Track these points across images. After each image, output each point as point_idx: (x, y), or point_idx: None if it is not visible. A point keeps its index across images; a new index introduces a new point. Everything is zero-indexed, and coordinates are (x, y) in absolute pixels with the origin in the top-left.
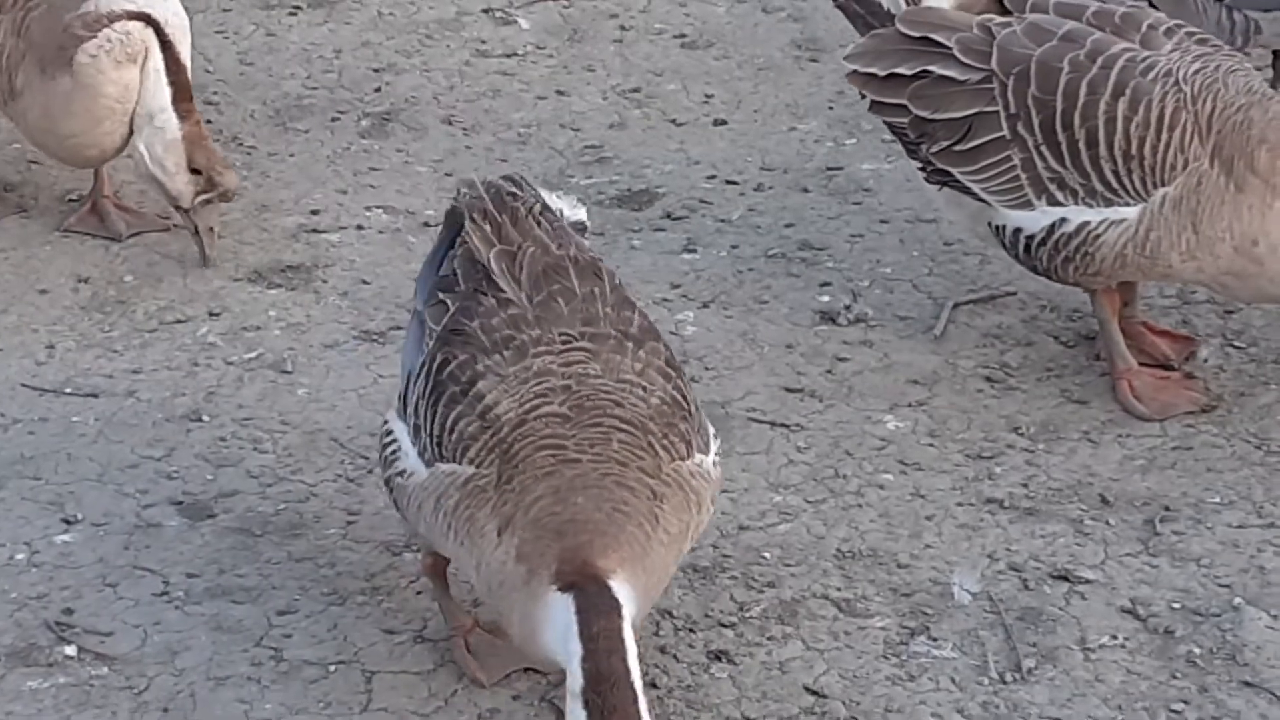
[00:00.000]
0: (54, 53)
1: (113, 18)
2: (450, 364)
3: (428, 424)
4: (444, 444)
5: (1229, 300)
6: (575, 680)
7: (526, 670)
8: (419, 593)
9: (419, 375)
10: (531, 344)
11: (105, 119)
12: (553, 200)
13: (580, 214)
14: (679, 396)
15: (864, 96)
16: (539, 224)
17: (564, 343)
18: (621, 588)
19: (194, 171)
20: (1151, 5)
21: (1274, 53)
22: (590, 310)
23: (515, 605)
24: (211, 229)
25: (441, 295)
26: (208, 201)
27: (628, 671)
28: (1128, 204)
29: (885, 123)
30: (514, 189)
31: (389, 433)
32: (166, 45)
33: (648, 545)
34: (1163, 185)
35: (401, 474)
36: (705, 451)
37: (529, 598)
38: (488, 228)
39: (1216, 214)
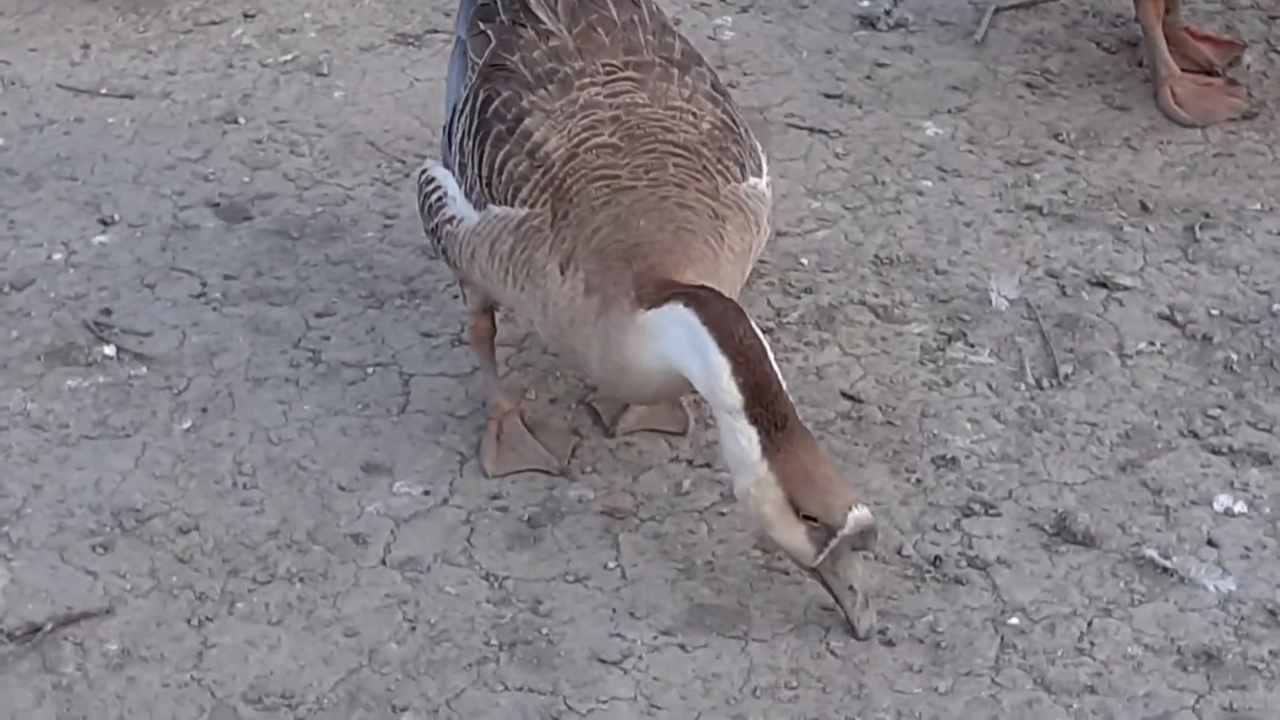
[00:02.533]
0: None
1: None
2: (494, 101)
3: (475, 163)
4: (494, 185)
5: None
6: (728, 396)
7: (535, 471)
8: (455, 297)
9: (463, 110)
10: (575, 76)
11: None
12: None
13: None
14: (729, 120)
15: None
16: None
17: (608, 73)
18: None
19: None
20: None
21: None
22: (632, 39)
23: (593, 340)
24: None
25: (483, 25)
26: None
27: (781, 380)
28: None
29: None
30: None
31: (430, 180)
32: None
33: (717, 262)
34: None
35: (450, 220)
36: (759, 175)
37: (611, 327)
38: None
39: None
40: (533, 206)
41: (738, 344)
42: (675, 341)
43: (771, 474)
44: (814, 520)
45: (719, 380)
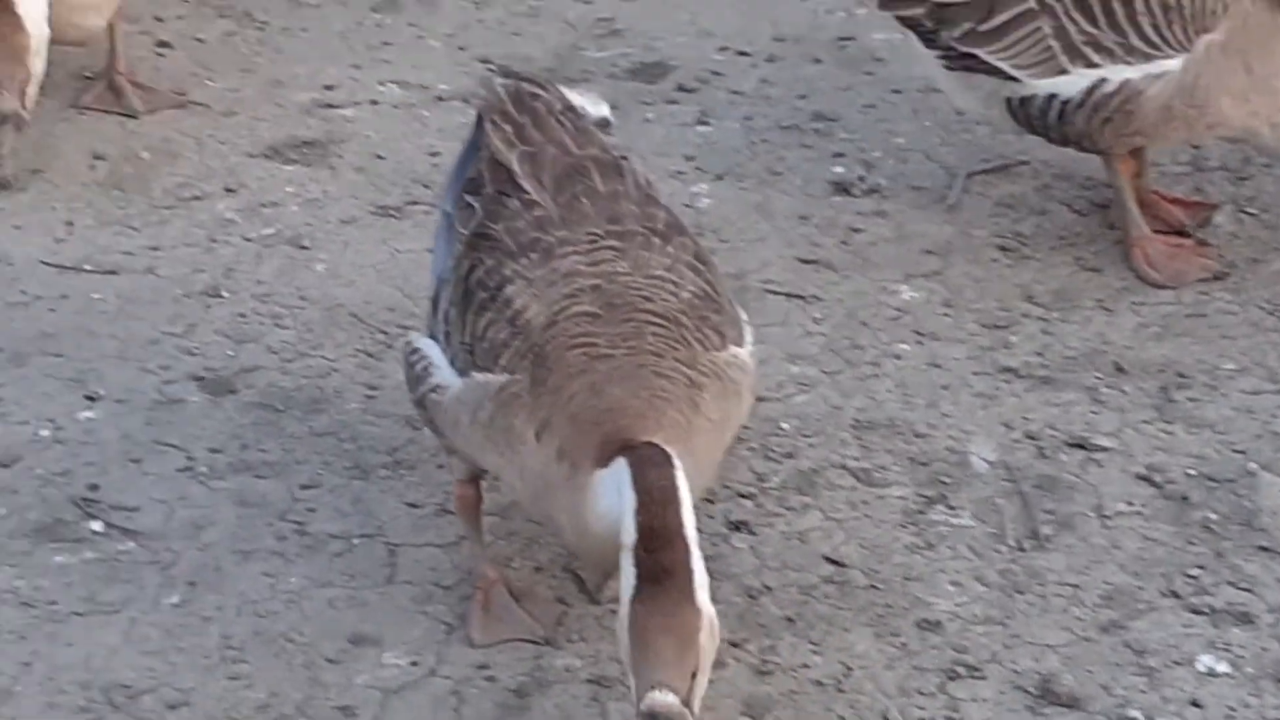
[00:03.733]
0: None
1: None
2: (478, 269)
3: (458, 331)
4: (476, 352)
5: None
6: (625, 533)
7: (521, 641)
8: (440, 466)
9: (449, 280)
10: (558, 245)
11: None
12: (575, 97)
13: (603, 110)
14: (710, 289)
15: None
16: (560, 124)
17: (590, 242)
18: (671, 451)
19: None
20: None
21: None
22: (615, 208)
23: (561, 505)
24: None
25: (469, 198)
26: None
27: (681, 526)
28: (1170, 56)
29: (898, 18)
30: (535, 89)
31: (415, 350)
32: None
33: (690, 429)
34: (1206, 32)
35: (435, 389)
36: (740, 344)
37: (574, 490)
38: (509, 129)
39: (1269, 50)
40: (512, 373)
41: (649, 486)
42: (610, 493)
43: (628, 621)
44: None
45: (625, 516)
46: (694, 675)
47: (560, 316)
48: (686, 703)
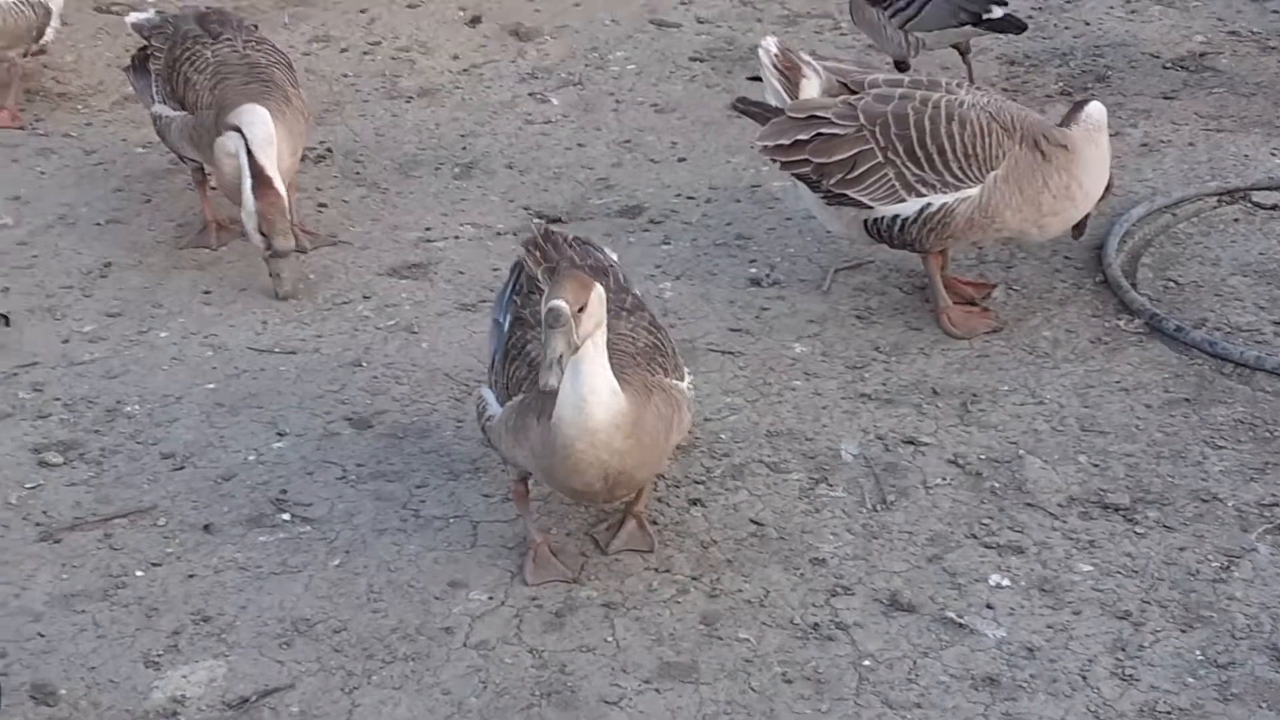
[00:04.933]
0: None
1: (226, 127)
2: (514, 337)
3: (501, 377)
4: (509, 387)
5: (1041, 239)
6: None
7: (558, 581)
8: (502, 471)
9: (498, 351)
10: None
11: (228, 187)
12: (601, 251)
13: (614, 256)
14: (659, 344)
15: (774, 161)
16: (570, 247)
17: None
18: None
19: (262, 234)
20: (853, 17)
21: (958, 49)
22: None
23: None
24: (278, 275)
25: (514, 298)
26: (272, 256)
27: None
28: (971, 186)
29: (792, 175)
30: (555, 230)
31: (480, 399)
32: (250, 147)
33: (648, 403)
34: (993, 169)
35: (490, 419)
36: (680, 379)
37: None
38: (537, 253)
39: (1033, 178)
40: (525, 394)
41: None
42: None
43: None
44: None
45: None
46: None
47: None
48: None
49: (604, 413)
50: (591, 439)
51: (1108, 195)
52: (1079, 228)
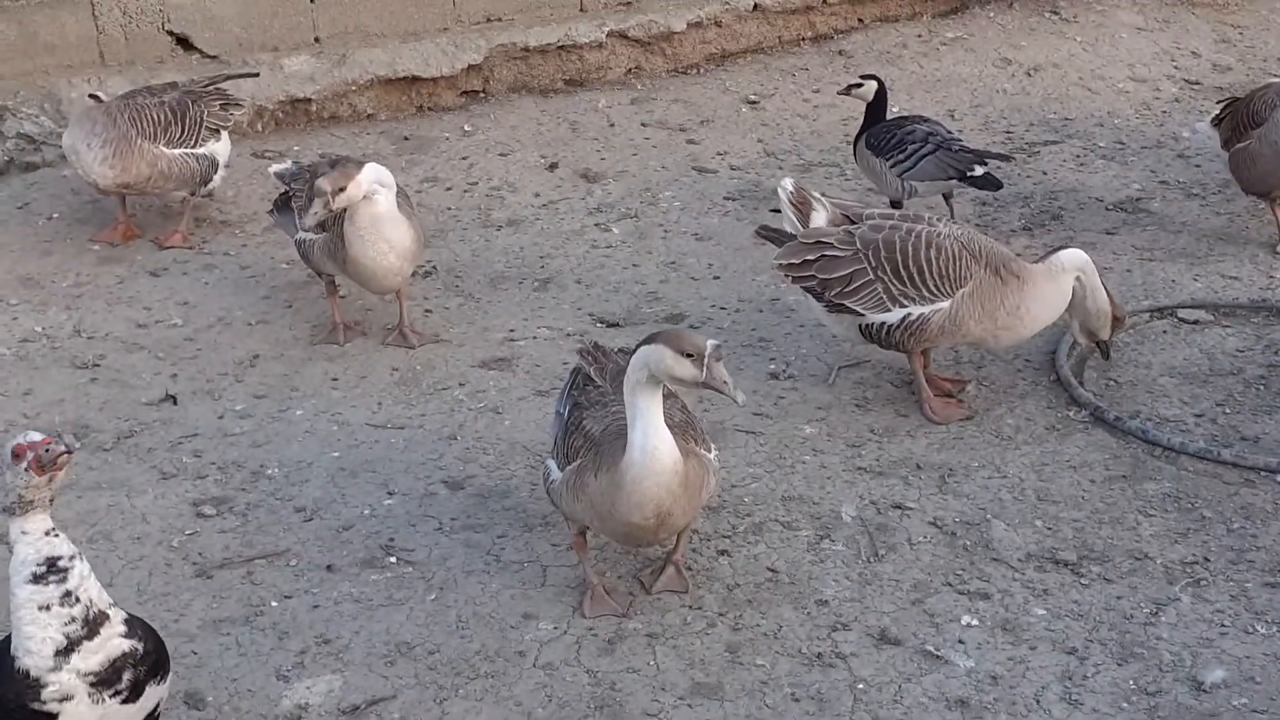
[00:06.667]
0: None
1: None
2: (571, 418)
3: (562, 448)
4: (569, 455)
5: (997, 348)
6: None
7: (610, 615)
8: (567, 525)
9: (561, 431)
10: (610, 402)
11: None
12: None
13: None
14: (690, 421)
15: (788, 276)
16: (616, 359)
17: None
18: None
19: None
20: (854, 156)
21: (944, 196)
22: None
23: (601, 512)
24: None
25: (573, 394)
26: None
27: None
28: (944, 300)
29: (802, 288)
30: (600, 346)
31: (546, 467)
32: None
33: (689, 463)
34: (961, 287)
35: (553, 483)
36: (707, 450)
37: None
38: (591, 360)
39: (993, 297)
40: (583, 459)
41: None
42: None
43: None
44: (690, 355)
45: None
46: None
47: (606, 432)
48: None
49: (668, 458)
50: (657, 479)
51: (1120, 327)
52: (1105, 353)
